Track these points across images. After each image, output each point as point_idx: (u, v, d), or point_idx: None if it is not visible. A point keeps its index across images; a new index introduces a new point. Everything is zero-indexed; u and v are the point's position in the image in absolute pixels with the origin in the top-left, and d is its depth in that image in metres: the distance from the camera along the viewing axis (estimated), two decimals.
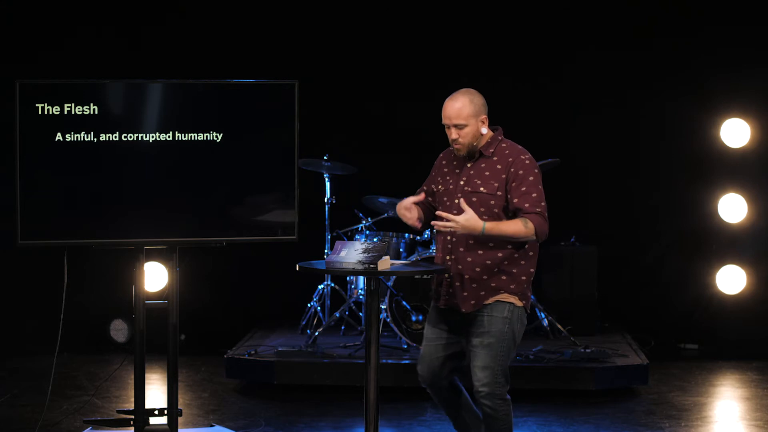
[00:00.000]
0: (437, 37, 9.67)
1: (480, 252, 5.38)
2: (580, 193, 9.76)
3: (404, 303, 8.24)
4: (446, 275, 5.42)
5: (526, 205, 5.34)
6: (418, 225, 5.52)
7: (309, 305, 8.92)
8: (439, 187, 5.55)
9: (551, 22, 9.72)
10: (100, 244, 6.00)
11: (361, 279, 8.52)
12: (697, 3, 9.56)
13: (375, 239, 8.46)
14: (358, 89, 9.73)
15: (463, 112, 5.41)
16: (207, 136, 5.97)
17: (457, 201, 5.39)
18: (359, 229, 8.63)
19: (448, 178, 5.53)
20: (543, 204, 5.37)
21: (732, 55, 9.47)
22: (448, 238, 5.44)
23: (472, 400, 5.57)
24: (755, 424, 7.22)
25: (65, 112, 5.83)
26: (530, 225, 5.31)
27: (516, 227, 5.31)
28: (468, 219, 5.26)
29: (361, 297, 8.54)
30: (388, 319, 8.26)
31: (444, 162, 5.61)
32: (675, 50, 9.64)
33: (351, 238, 8.63)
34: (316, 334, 8.41)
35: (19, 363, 8.78)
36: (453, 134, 5.44)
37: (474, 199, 5.38)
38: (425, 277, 8.13)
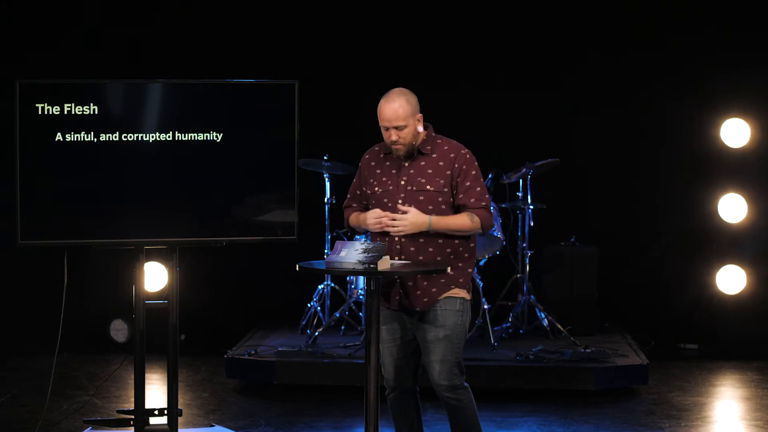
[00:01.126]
0: (438, 36, 9.68)
1: (430, 249, 5.43)
2: (580, 193, 9.77)
3: None
4: (396, 277, 5.42)
5: (472, 200, 5.43)
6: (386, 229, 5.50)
7: (309, 305, 8.92)
8: (376, 189, 5.54)
9: (552, 22, 9.72)
10: (100, 244, 5.99)
11: (361, 279, 8.52)
12: (697, 3, 9.56)
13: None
14: (358, 89, 9.72)
15: (401, 113, 5.42)
16: (207, 136, 5.97)
17: (400, 202, 5.43)
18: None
19: (384, 179, 5.53)
20: (487, 197, 5.46)
21: (732, 56, 9.48)
22: (396, 239, 5.45)
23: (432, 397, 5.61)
24: (755, 424, 7.22)
25: (65, 112, 5.83)
26: (476, 219, 5.41)
27: (462, 221, 5.40)
28: (413, 216, 5.35)
29: (361, 297, 8.54)
30: None
31: (373, 163, 5.60)
32: (675, 50, 9.65)
33: (351, 238, 8.63)
34: (316, 334, 8.41)
35: (19, 363, 8.78)
36: (393, 136, 5.44)
37: (421, 198, 5.42)
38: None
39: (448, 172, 5.43)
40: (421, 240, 5.42)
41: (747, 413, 7.67)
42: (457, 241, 5.45)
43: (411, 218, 5.35)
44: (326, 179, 8.92)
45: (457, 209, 5.46)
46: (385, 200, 5.49)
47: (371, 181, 5.56)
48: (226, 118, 5.99)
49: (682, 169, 9.79)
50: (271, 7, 9.65)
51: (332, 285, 8.95)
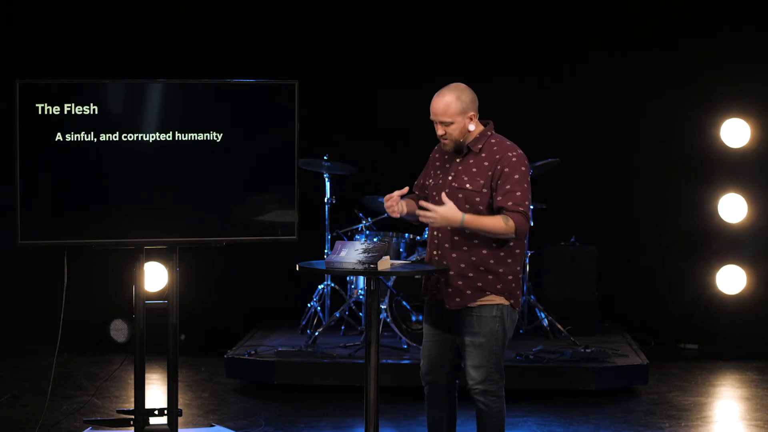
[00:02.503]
0: (438, 36, 9.68)
1: (465, 248, 5.38)
2: (580, 193, 9.77)
3: (404, 303, 8.24)
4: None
5: (510, 203, 5.30)
6: (396, 215, 5.49)
7: (309, 305, 8.92)
8: (430, 181, 5.55)
9: (552, 22, 9.72)
10: (100, 244, 5.99)
11: (361, 279, 8.52)
12: (697, 3, 9.56)
13: (375, 239, 8.46)
14: (358, 89, 9.74)
15: (450, 109, 5.38)
16: (207, 136, 5.97)
17: (443, 196, 5.40)
18: (359, 229, 8.63)
19: (438, 172, 5.53)
20: (526, 203, 5.33)
21: (732, 56, 9.48)
22: (435, 233, 5.46)
23: (469, 398, 5.57)
24: (755, 424, 7.22)
25: (65, 112, 5.83)
26: (511, 223, 5.28)
27: (496, 223, 5.28)
28: (447, 210, 5.27)
29: (361, 297, 8.54)
30: (388, 319, 8.26)
31: (437, 156, 5.60)
32: (675, 50, 9.65)
33: (351, 238, 8.63)
34: (316, 334, 8.41)
35: (19, 363, 8.78)
36: (440, 130, 5.42)
37: (459, 196, 5.38)
38: (417, 277, 8.13)
39: (490, 173, 5.35)
40: (456, 238, 5.37)
41: (747, 413, 7.67)
42: (495, 245, 5.35)
43: (443, 211, 5.27)
44: (326, 179, 8.92)
45: (496, 211, 5.35)
46: (434, 193, 5.48)
47: (432, 173, 5.56)
48: (226, 118, 5.99)
49: (682, 169, 9.79)
50: (271, 7, 9.65)
51: (332, 285, 8.95)
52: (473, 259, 5.36)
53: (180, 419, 6.17)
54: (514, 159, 5.36)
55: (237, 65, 9.35)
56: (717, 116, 9.64)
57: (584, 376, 7.84)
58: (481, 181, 5.36)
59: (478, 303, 5.37)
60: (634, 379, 8.03)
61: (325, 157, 8.78)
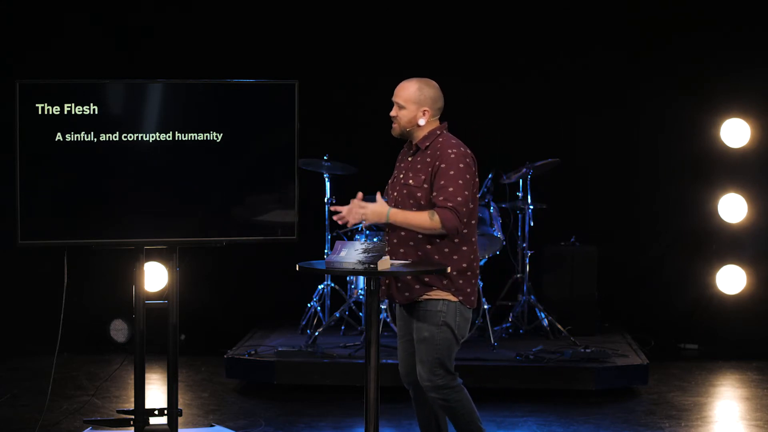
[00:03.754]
0: (438, 36, 9.68)
1: (411, 243, 5.44)
2: (580, 193, 9.77)
3: None
4: None
5: (441, 198, 5.35)
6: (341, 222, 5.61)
7: (309, 305, 8.92)
8: (389, 181, 5.66)
9: (552, 21, 9.72)
10: (100, 244, 6.00)
11: (361, 279, 8.52)
12: (697, 3, 9.56)
13: (375, 239, 8.45)
14: (358, 89, 9.73)
15: (405, 93, 5.48)
16: (207, 136, 5.97)
17: (395, 194, 5.50)
18: (359, 229, 8.63)
19: (396, 171, 5.63)
20: (459, 199, 5.32)
21: (732, 56, 9.48)
22: (386, 229, 5.54)
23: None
24: (755, 424, 7.22)
25: (65, 112, 5.83)
26: (436, 218, 5.32)
27: (420, 218, 5.36)
28: (375, 205, 5.41)
29: (361, 297, 8.55)
30: (388, 319, 8.26)
31: (400, 157, 5.69)
32: (675, 50, 9.65)
33: (351, 238, 8.63)
34: (316, 334, 8.41)
35: (19, 363, 8.78)
36: (393, 111, 5.52)
37: (405, 191, 5.46)
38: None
39: (430, 169, 5.42)
40: (402, 233, 5.45)
41: (747, 413, 7.67)
42: (438, 240, 5.40)
43: (372, 206, 5.41)
44: (326, 179, 8.92)
45: (430, 207, 5.40)
46: (390, 191, 5.59)
47: (393, 173, 5.65)
48: (226, 118, 5.99)
49: (682, 169, 9.79)
50: (271, 7, 9.65)
51: (332, 285, 8.95)
52: (419, 254, 5.43)
53: (180, 419, 6.17)
54: (452, 156, 5.39)
55: (237, 65, 9.35)
56: (717, 116, 9.64)
57: (584, 376, 7.83)
58: (422, 177, 5.42)
59: (424, 297, 5.43)
60: (634, 379, 8.03)
61: (325, 157, 8.78)
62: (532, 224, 8.97)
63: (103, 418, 6.66)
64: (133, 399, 6.14)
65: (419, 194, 5.41)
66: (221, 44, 9.55)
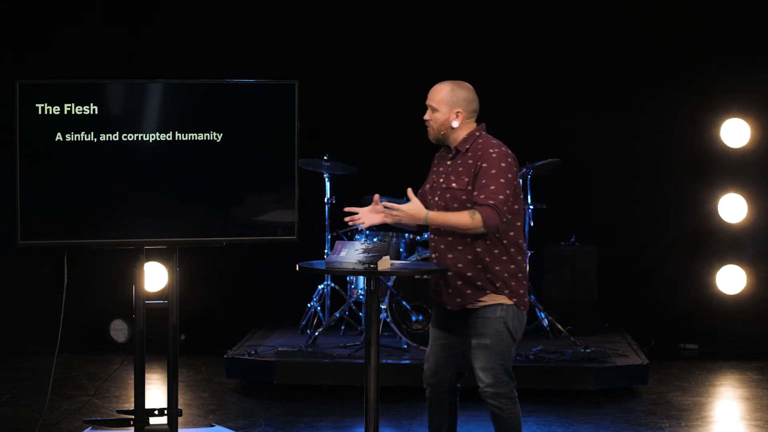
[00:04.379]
0: (438, 36, 9.68)
1: (459, 248, 5.38)
2: (580, 193, 9.77)
3: (404, 303, 8.24)
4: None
5: (482, 196, 5.29)
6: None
7: (309, 305, 8.92)
8: (427, 186, 5.60)
9: (552, 21, 9.72)
10: (100, 244, 5.99)
11: (361, 279, 8.52)
12: (697, 3, 9.56)
13: (375, 239, 8.46)
14: (358, 89, 9.73)
15: (438, 95, 5.45)
16: (207, 136, 5.97)
17: (437, 199, 5.44)
18: (359, 229, 8.62)
19: (434, 176, 5.57)
20: (500, 197, 5.28)
21: (732, 56, 9.48)
22: (432, 236, 5.47)
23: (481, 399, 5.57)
24: (755, 424, 7.22)
25: (65, 112, 5.83)
26: (477, 216, 5.26)
27: (461, 218, 5.29)
28: (411, 207, 5.32)
29: (361, 297, 8.54)
30: (388, 319, 8.26)
31: (436, 161, 5.63)
32: (675, 50, 9.65)
33: (351, 238, 8.63)
34: (316, 334, 8.41)
35: (19, 363, 8.78)
36: (426, 115, 5.49)
37: (448, 195, 5.41)
38: (425, 277, 8.13)
39: (473, 170, 5.37)
40: (450, 239, 5.39)
41: (747, 413, 7.67)
42: (488, 242, 5.34)
43: (406, 208, 5.33)
44: (326, 179, 8.92)
45: (472, 206, 5.36)
46: (429, 197, 5.53)
47: (430, 177, 5.60)
48: (226, 118, 5.99)
49: (682, 169, 9.79)
50: (271, 7, 9.65)
51: (332, 285, 8.95)
52: (469, 257, 5.36)
53: (180, 419, 6.17)
54: (494, 155, 5.36)
55: (237, 65, 9.35)
56: (717, 116, 9.64)
57: (584, 376, 7.83)
58: (466, 179, 5.38)
59: (480, 304, 5.36)
60: (634, 379, 8.03)
61: (325, 157, 8.78)
62: (532, 224, 8.97)
63: (103, 418, 6.66)
64: (133, 399, 6.14)
65: (464, 197, 5.36)
66: (221, 44, 9.55)
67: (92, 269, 9.06)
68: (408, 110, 9.54)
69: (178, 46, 9.51)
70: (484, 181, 5.31)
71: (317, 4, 9.70)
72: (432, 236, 5.49)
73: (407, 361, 7.89)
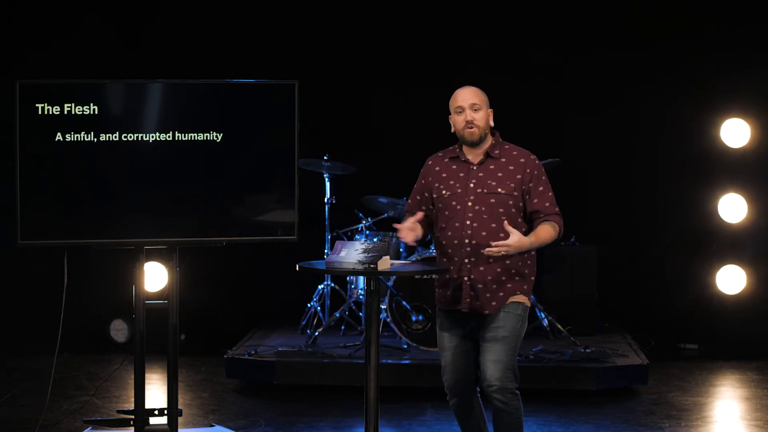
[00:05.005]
0: (438, 36, 9.68)
1: (496, 258, 5.41)
2: (580, 193, 9.76)
3: (404, 303, 8.24)
4: (465, 279, 5.40)
5: (547, 204, 5.49)
6: (414, 243, 5.54)
7: (309, 305, 8.92)
8: (443, 192, 5.50)
9: (552, 21, 9.72)
10: (100, 244, 5.99)
11: (361, 279, 8.52)
12: (697, 3, 9.56)
13: (375, 239, 8.46)
14: (358, 89, 9.73)
15: (478, 96, 5.49)
16: (207, 136, 5.97)
17: (470, 204, 5.39)
18: (359, 229, 8.63)
19: (452, 182, 5.50)
20: (555, 203, 5.54)
21: (732, 56, 9.48)
22: (466, 242, 5.42)
23: (482, 396, 5.56)
24: (755, 424, 7.22)
25: (65, 112, 5.83)
26: (556, 227, 5.50)
27: (550, 233, 5.48)
28: (517, 240, 5.33)
29: (361, 297, 8.54)
30: (388, 319, 8.26)
31: (437, 168, 5.57)
32: (675, 50, 9.65)
33: (351, 238, 8.63)
34: (316, 334, 8.41)
35: (19, 363, 8.78)
36: (469, 116, 5.45)
37: (492, 200, 5.41)
38: (425, 277, 8.13)
39: (519, 177, 5.44)
40: (482, 252, 5.39)
41: (747, 413, 7.67)
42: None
43: (513, 243, 5.31)
44: (326, 179, 8.92)
45: (530, 215, 5.48)
46: (454, 203, 5.47)
47: (437, 185, 5.54)
48: (226, 118, 5.99)
49: (682, 169, 9.79)
50: (271, 7, 9.65)
51: (332, 285, 8.95)
52: (507, 262, 5.42)
53: (180, 419, 6.17)
54: (537, 162, 5.54)
55: (237, 65, 9.35)
56: (717, 116, 9.64)
57: (584, 376, 7.83)
58: (512, 185, 5.44)
59: (508, 301, 5.44)
60: (634, 379, 8.03)
61: (325, 157, 8.78)
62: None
63: (103, 418, 6.66)
64: (133, 399, 6.14)
65: (510, 202, 5.43)
66: (221, 44, 9.55)
67: (92, 269, 9.07)
68: (408, 110, 9.59)
69: (177, 46, 9.51)
70: (541, 188, 5.50)
71: (317, 5, 9.70)
72: (465, 241, 5.39)
73: (407, 361, 7.89)
